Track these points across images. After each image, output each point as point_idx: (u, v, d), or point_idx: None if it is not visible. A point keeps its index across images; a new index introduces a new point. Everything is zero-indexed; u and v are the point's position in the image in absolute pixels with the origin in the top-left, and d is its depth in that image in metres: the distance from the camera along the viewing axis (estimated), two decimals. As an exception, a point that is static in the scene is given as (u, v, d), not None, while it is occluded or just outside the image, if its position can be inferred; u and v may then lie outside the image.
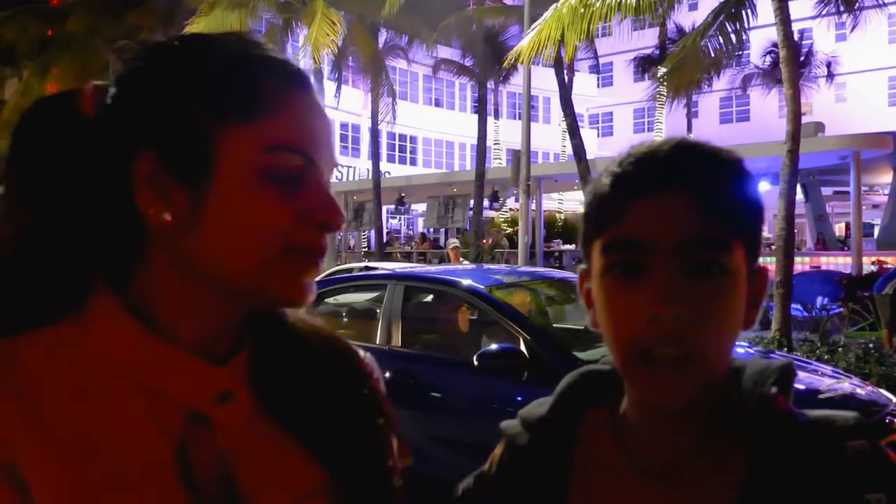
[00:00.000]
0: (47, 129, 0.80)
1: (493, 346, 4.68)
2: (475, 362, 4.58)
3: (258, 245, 0.75)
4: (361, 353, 0.96)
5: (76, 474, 0.70)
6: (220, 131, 0.74)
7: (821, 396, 4.27)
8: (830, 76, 29.86)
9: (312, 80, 0.83)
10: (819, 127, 21.06)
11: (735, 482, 0.80)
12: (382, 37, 24.12)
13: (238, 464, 0.78)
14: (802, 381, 4.63)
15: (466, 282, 5.36)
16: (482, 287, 5.27)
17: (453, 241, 14.34)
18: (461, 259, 12.45)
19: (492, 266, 9.99)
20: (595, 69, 41.10)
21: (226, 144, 0.74)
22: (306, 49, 18.03)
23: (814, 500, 0.77)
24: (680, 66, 13.30)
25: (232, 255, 0.75)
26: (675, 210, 0.77)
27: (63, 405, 0.73)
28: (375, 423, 0.89)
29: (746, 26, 12.14)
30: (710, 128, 39.12)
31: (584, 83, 39.46)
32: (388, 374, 4.48)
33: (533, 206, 19.55)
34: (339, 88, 23.64)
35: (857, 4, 16.32)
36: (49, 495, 0.69)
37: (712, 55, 13.32)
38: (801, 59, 26.06)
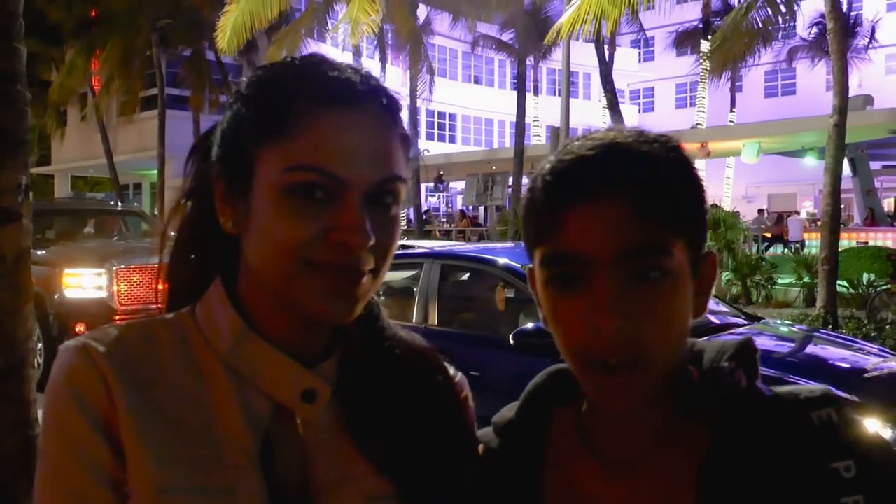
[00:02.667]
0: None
1: (530, 325, 4.65)
2: (511, 341, 4.56)
3: (279, 256, 0.80)
4: (451, 371, 1.00)
5: (164, 444, 0.79)
6: (258, 151, 0.82)
7: (866, 375, 4.18)
8: (872, 45, 28.78)
9: (367, 84, 0.83)
10: (868, 100, 20.59)
11: (695, 462, 0.80)
12: (421, 13, 23.99)
13: (316, 459, 0.84)
14: (847, 359, 4.54)
15: (503, 260, 5.34)
16: (519, 265, 5.23)
17: None
18: None
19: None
20: (637, 44, 40.56)
21: (259, 163, 0.81)
22: (346, 28, 17.97)
23: (779, 472, 0.76)
24: (725, 41, 13.05)
25: (264, 263, 0.82)
26: (611, 219, 0.76)
27: (164, 382, 0.82)
28: (451, 442, 0.91)
29: (794, -3, 11.85)
30: (754, 102, 38.40)
31: (624, 58, 38.89)
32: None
33: (573, 183, 19.35)
34: (383, 67, 23.60)
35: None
36: (137, 456, 0.77)
37: (760, 27, 13.03)
38: (850, 30, 25.32)
